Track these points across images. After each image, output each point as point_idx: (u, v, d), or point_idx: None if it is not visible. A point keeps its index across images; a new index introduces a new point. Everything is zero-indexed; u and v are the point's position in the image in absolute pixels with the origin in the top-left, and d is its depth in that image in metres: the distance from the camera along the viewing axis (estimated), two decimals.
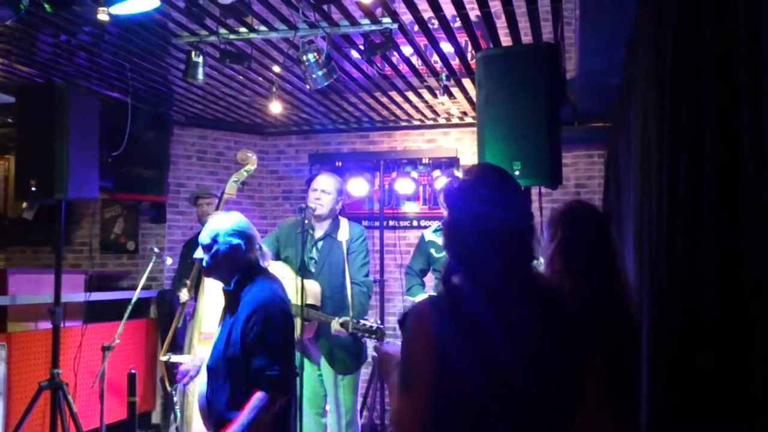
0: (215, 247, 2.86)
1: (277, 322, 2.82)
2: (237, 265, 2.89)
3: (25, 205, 6.32)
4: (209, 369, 2.90)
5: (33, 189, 4.25)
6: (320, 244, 4.30)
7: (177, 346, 4.60)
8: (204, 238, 2.90)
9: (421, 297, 4.83)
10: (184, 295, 4.83)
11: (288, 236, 4.34)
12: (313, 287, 4.17)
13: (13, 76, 5.22)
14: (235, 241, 2.86)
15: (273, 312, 2.82)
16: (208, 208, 5.47)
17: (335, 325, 3.99)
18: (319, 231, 4.33)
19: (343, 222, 4.40)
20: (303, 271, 4.07)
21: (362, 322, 3.97)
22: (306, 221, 4.21)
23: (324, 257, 4.27)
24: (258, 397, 2.73)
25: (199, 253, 2.93)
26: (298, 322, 4.00)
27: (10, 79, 5.29)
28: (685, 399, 1.98)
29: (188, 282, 4.59)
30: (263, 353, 2.76)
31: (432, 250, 4.91)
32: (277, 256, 4.35)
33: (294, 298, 3.91)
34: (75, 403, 4.30)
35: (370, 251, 4.50)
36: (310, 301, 4.10)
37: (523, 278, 1.81)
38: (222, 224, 2.91)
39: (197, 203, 5.70)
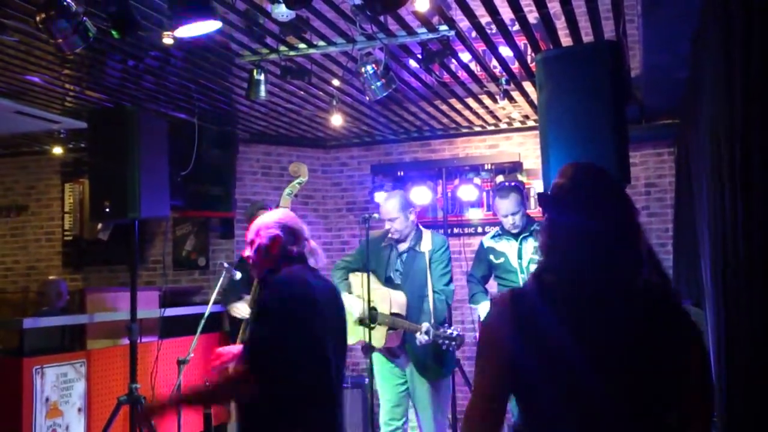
0: (257, 241, 2.87)
1: (273, 303, 2.64)
2: (276, 257, 2.81)
3: (100, 226, 6.56)
4: None
5: (107, 210, 4.36)
6: (404, 256, 4.50)
7: None
8: (249, 233, 2.92)
9: (484, 305, 4.79)
10: (243, 309, 4.89)
11: (372, 250, 4.52)
12: (399, 297, 4.40)
13: (85, 102, 5.42)
14: (275, 232, 2.82)
15: (275, 293, 2.68)
16: None
17: (420, 336, 4.17)
18: (403, 245, 4.53)
19: (426, 234, 4.56)
20: (369, 281, 4.31)
21: (442, 329, 4.16)
22: (388, 236, 4.50)
23: (408, 268, 4.47)
24: (233, 374, 2.65)
25: (246, 251, 2.93)
26: (382, 330, 4.34)
27: (81, 105, 5.49)
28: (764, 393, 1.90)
29: (248, 296, 4.66)
30: (254, 336, 2.65)
31: (491, 257, 4.86)
32: (365, 268, 4.58)
33: (379, 307, 4.32)
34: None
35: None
36: (395, 311, 4.35)
37: (622, 281, 1.74)
38: (265, 219, 2.91)
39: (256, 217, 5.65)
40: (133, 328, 4.46)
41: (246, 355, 2.61)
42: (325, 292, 2.80)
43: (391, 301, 4.35)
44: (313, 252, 2.91)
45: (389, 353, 4.46)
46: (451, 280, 4.49)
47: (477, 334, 4.67)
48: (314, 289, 2.72)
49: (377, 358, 4.53)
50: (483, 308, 4.80)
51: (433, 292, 4.35)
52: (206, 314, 4.67)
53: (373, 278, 4.46)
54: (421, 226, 4.59)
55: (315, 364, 2.62)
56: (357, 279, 4.60)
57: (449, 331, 4.14)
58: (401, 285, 4.44)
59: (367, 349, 4.50)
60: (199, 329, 4.65)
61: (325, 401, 2.67)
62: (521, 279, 4.61)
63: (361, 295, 4.48)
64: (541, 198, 1.89)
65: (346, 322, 2.95)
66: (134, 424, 4.30)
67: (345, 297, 4.45)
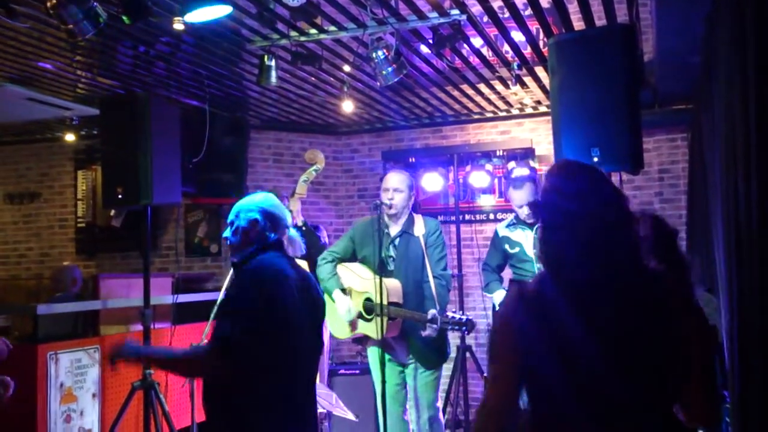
0: (236, 223, 2.84)
1: (252, 286, 2.64)
2: (253, 241, 2.80)
3: (113, 212, 6.58)
4: None
5: (120, 197, 4.38)
6: (397, 241, 4.29)
7: None
8: (230, 214, 2.89)
9: (499, 293, 4.79)
10: None
11: (363, 235, 4.33)
12: (394, 285, 4.17)
13: (96, 88, 5.44)
14: (254, 216, 2.81)
15: (254, 277, 2.68)
16: None
17: (428, 329, 4.00)
18: (395, 228, 4.32)
19: (418, 218, 4.38)
20: (381, 270, 4.09)
21: (450, 315, 3.99)
22: (384, 207, 4.21)
23: (402, 254, 4.26)
24: (201, 346, 2.58)
25: (225, 231, 2.90)
26: (379, 321, 4.04)
27: (93, 91, 5.51)
28: None
29: None
30: (226, 317, 2.63)
31: (506, 246, 4.85)
32: (353, 257, 4.40)
33: (375, 298, 4.01)
34: (167, 402, 4.44)
35: (447, 246, 4.47)
36: (393, 300, 4.10)
37: (617, 271, 1.79)
38: (246, 201, 2.89)
39: None
40: (146, 314, 4.49)
41: (214, 340, 2.60)
42: (298, 281, 2.77)
43: (387, 290, 4.07)
44: (291, 241, 2.90)
45: (386, 345, 4.20)
46: (447, 265, 4.33)
47: (490, 321, 4.66)
48: (287, 278, 2.71)
49: (372, 351, 4.34)
50: (498, 297, 4.80)
51: (434, 277, 4.18)
52: (219, 300, 4.68)
53: (363, 267, 4.29)
54: (412, 213, 4.39)
55: (281, 356, 2.62)
56: (346, 272, 4.35)
57: (458, 317, 3.97)
58: (395, 271, 4.23)
59: (360, 341, 4.34)
60: (212, 315, 4.66)
61: (286, 402, 2.65)
62: (537, 268, 4.59)
63: (350, 289, 4.30)
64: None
65: (321, 312, 2.92)
66: (148, 408, 4.33)
67: (336, 296, 4.27)
